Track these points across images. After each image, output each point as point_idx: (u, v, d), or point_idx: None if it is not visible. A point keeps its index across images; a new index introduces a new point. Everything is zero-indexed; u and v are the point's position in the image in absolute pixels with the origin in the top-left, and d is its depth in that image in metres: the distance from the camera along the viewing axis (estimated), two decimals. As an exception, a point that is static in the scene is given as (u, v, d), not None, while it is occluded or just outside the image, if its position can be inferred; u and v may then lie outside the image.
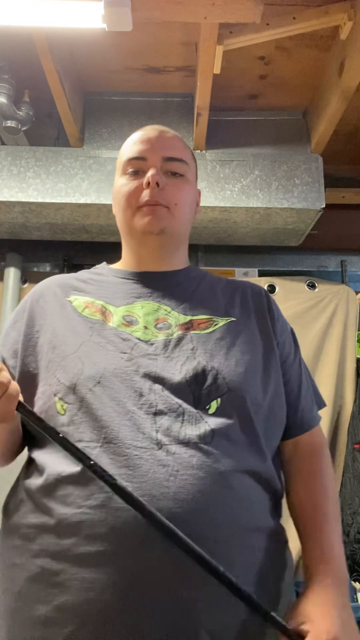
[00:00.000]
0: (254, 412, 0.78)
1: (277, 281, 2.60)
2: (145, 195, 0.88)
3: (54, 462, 0.73)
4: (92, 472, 0.66)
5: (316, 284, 2.61)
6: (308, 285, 2.61)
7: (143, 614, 0.63)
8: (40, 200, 2.23)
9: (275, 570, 0.74)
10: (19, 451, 0.85)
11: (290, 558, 0.80)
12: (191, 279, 0.94)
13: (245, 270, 2.74)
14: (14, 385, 0.69)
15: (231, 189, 2.30)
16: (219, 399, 0.75)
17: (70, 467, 0.70)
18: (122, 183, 0.92)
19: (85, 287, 0.91)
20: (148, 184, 0.87)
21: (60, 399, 0.76)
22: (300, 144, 2.40)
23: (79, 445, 0.70)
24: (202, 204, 2.28)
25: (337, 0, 1.75)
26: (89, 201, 2.23)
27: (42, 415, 0.76)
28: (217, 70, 1.89)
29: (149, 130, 0.94)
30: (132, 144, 0.93)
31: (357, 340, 2.55)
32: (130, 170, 0.91)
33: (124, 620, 0.62)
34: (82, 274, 0.97)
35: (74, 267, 2.79)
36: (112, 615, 0.63)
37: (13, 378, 0.82)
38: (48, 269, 2.82)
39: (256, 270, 2.74)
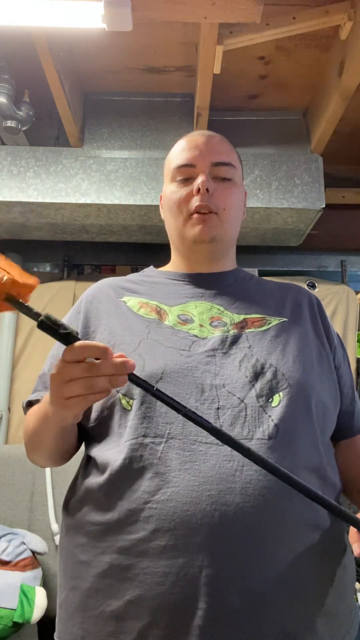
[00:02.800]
0: (314, 407, 0.79)
1: (277, 281, 2.60)
2: (196, 201, 0.89)
3: (116, 459, 0.73)
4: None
5: (316, 284, 2.62)
6: (308, 285, 2.61)
7: (215, 606, 0.63)
8: (40, 200, 2.23)
9: (337, 571, 0.74)
10: (74, 451, 0.86)
11: (351, 561, 0.79)
12: (240, 280, 0.96)
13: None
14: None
15: (231, 189, 2.29)
16: (280, 393, 0.76)
17: (135, 462, 0.71)
18: (172, 190, 0.93)
19: (138, 289, 0.92)
20: (198, 190, 0.89)
21: (124, 395, 0.76)
22: (300, 144, 2.41)
23: (145, 440, 0.71)
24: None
25: (337, 0, 1.75)
26: (89, 201, 2.23)
27: (104, 413, 0.78)
28: (217, 70, 1.89)
29: (196, 137, 0.95)
30: (180, 151, 0.95)
31: (357, 340, 2.55)
32: (180, 177, 0.93)
33: (197, 613, 0.63)
34: (132, 276, 0.98)
35: (74, 267, 2.79)
36: (185, 609, 0.63)
37: None
38: (48, 269, 2.82)
39: (256, 270, 2.74)
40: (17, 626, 1.61)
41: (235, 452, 0.68)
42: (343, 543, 0.78)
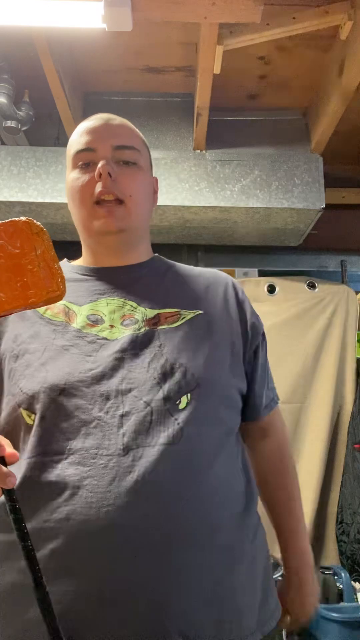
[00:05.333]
0: (223, 405, 0.79)
1: (277, 281, 2.60)
2: (99, 187, 0.84)
3: (22, 476, 0.70)
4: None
5: (316, 284, 2.61)
6: (308, 285, 2.61)
7: (114, 620, 0.63)
8: (40, 200, 2.23)
9: (250, 565, 0.75)
10: None
11: (266, 546, 0.82)
12: (155, 271, 0.91)
13: (245, 270, 2.74)
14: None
15: (231, 189, 2.30)
16: (189, 394, 0.74)
17: (33, 481, 0.69)
18: (74, 177, 0.87)
19: None
20: (100, 175, 0.83)
21: (26, 409, 0.73)
22: (300, 144, 2.41)
23: (44, 459, 0.69)
24: (202, 204, 2.31)
25: (337, 0, 1.75)
26: (89, 201, 2.23)
27: (9, 426, 0.74)
28: (217, 70, 1.89)
29: (94, 120, 0.90)
30: (79, 136, 0.89)
31: (357, 340, 2.55)
32: (81, 163, 0.87)
33: (96, 629, 0.63)
34: None
35: (74, 267, 2.79)
36: (83, 626, 0.63)
37: None
38: (48, 269, 2.82)
39: (256, 270, 2.74)
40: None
41: (136, 462, 0.67)
42: (259, 530, 0.81)
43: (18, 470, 0.70)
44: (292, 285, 2.60)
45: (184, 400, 0.74)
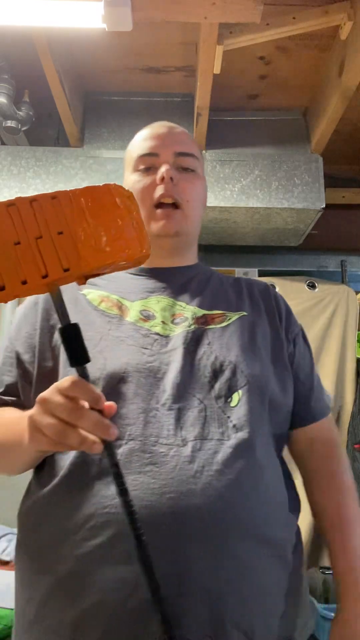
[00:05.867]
0: (271, 404, 0.80)
1: (277, 281, 2.60)
2: (160, 190, 0.88)
3: (73, 462, 0.71)
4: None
5: (316, 284, 2.61)
6: (308, 285, 2.61)
7: (175, 610, 0.62)
8: (40, 200, 2.23)
9: (294, 564, 0.75)
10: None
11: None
12: (201, 275, 0.95)
13: (245, 270, 2.74)
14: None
15: (231, 189, 2.30)
16: (240, 391, 0.76)
17: (93, 466, 0.69)
18: (135, 179, 0.91)
19: (98, 281, 0.88)
20: (162, 179, 0.87)
21: None
22: (300, 144, 2.41)
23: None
24: (202, 204, 2.30)
25: (337, 0, 1.75)
26: (89, 201, 2.23)
27: None
28: (217, 70, 1.89)
29: (158, 127, 0.94)
30: (142, 141, 0.93)
31: (357, 340, 2.55)
32: (142, 167, 0.91)
33: (156, 619, 0.62)
34: None
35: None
36: (143, 614, 0.62)
37: (29, 374, 0.81)
38: (48, 269, 2.82)
39: (256, 270, 2.74)
40: (17, 626, 1.61)
41: (195, 454, 0.68)
42: (298, 532, 0.80)
43: (77, 457, 0.71)
44: (292, 285, 2.60)
45: (235, 397, 0.76)
